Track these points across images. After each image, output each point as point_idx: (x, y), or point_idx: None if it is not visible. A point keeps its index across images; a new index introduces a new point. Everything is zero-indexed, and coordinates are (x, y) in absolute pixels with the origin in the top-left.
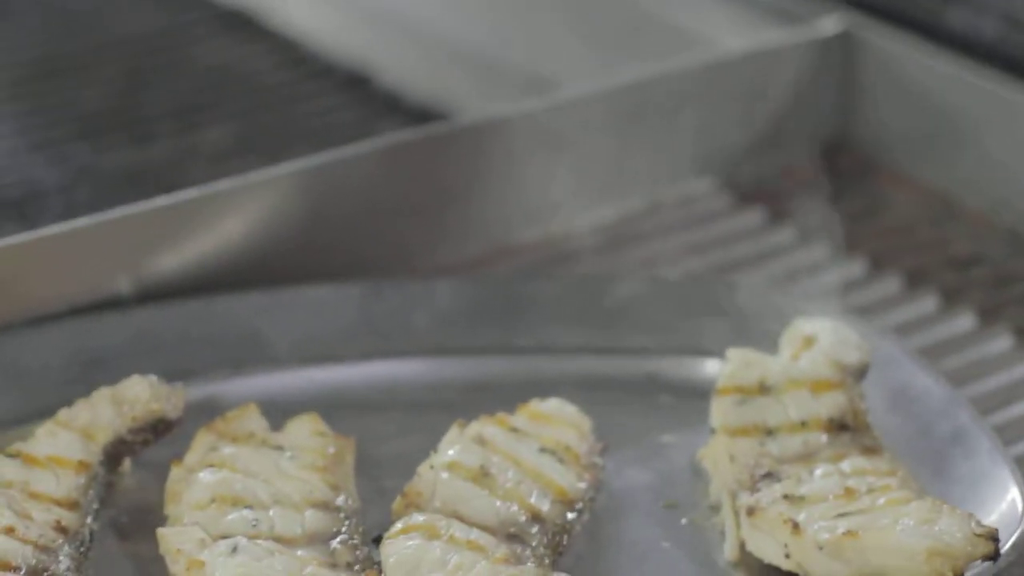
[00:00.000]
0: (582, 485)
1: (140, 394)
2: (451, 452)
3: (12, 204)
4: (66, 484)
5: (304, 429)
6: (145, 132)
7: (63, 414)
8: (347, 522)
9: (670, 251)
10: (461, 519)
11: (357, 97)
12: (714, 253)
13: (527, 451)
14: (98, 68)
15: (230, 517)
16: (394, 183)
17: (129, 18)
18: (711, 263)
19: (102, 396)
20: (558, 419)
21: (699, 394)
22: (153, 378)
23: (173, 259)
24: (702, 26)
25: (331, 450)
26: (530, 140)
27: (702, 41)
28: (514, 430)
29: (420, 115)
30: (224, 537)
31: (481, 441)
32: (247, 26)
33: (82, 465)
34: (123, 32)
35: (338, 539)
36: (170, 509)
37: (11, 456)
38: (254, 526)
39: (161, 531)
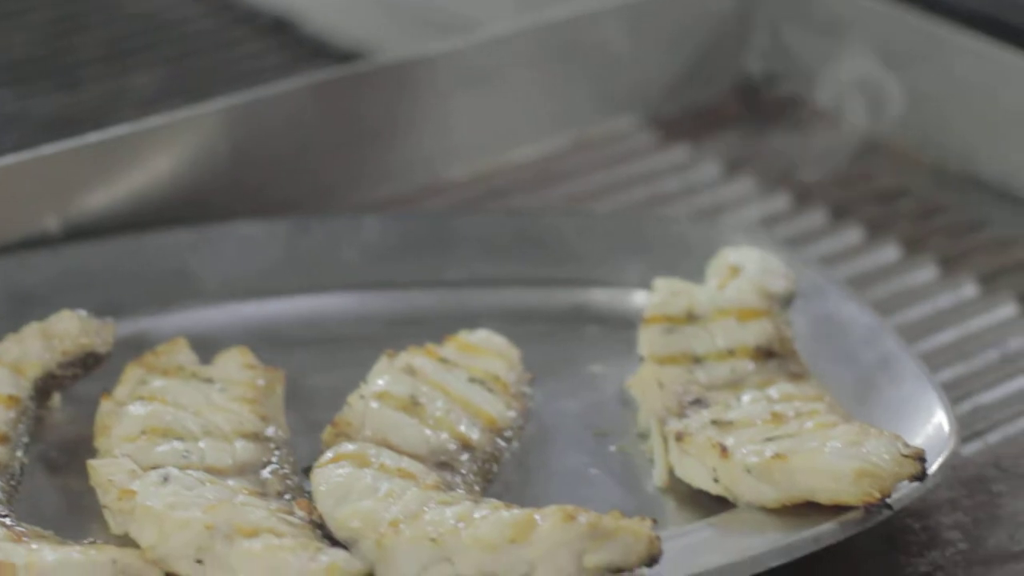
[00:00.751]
0: (511, 414)
1: (69, 328)
2: (380, 382)
3: None
4: None
5: (233, 362)
6: (72, 78)
7: None
8: (277, 452)
9: (596, 187)
10: (391, 448)
11: (283, 42)
12: (640, 188)
13: (456, 381)
14: (24, 15)
15: (160, 449)
16: (320, 121)
17: None
18: (637, 198)
19: (31, 331)
20: (486, 350)
21: (627, 325)
22: (82, 312)
23: (101, 196)
24: None
25: (260, 382)
26: (455, 78)
27: None
28: (443, 360)
29: (346, 59)
30: (155, 468)
31: (410, 371)
32: None
33: (11, 399)
34: None
35: (268, 469)
36: (100, 442)
37: None
38: (184, 457)
39: (92, 463)
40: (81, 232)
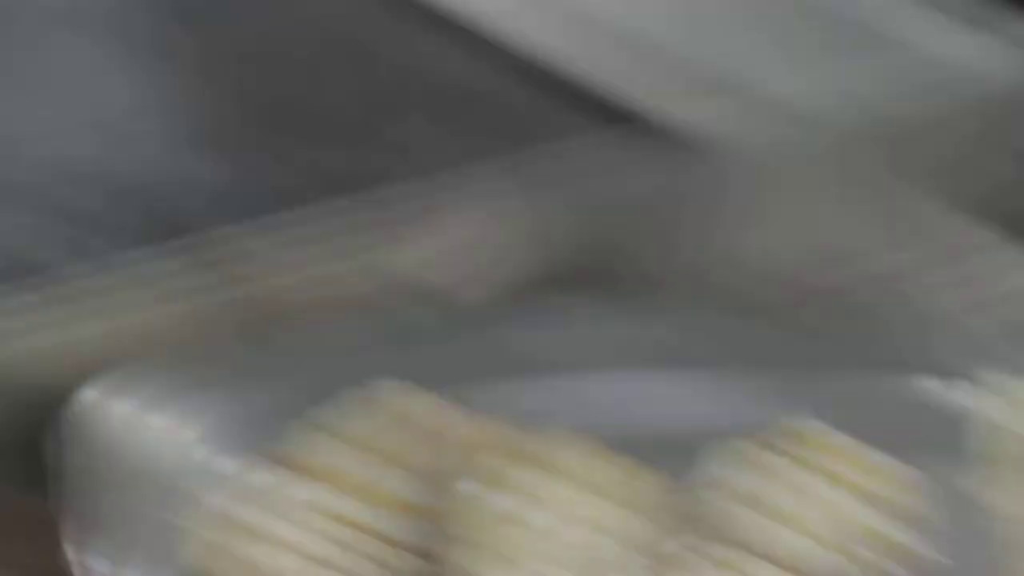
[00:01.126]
0: (906, 537)
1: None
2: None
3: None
4: None
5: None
6: (347, 131)
7: None
8: None
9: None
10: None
11: (569, 103)
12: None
13: (818, 484)
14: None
15: None
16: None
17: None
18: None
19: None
20: (849, 454)
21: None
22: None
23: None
24: (896, 28)
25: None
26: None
27: (895, 44)
28: (790, 456)
29: (632, 121)
30: None
31: (755, 464)
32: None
33: None
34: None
35: None
36: None
37: None
38: None
39: None
40: None
